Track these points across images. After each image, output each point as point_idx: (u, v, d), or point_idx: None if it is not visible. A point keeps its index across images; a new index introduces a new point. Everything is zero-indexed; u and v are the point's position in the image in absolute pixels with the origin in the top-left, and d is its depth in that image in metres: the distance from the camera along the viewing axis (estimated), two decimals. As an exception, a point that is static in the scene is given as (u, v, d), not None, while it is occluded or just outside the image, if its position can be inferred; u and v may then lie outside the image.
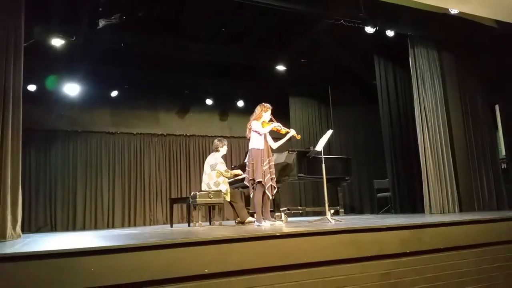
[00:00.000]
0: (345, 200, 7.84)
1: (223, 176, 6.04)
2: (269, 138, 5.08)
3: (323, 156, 5.38)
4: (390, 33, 7.21)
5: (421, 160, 7.03)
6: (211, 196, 5.86)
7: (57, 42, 6.82)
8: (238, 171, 6.17)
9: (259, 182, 4.78)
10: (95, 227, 8.95)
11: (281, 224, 5.08)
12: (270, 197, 4.94)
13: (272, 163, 4.98)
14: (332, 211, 6.03)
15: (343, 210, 6.76)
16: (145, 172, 9.71)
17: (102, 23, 6.56)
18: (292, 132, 5.18)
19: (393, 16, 7.03)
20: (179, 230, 5.13)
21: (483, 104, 7.76)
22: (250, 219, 5.97)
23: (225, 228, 4.92)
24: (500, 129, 8.34)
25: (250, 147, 4.98)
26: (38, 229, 8.40)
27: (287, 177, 6.06)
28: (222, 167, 6.05)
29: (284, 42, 8.42)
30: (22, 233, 4.46)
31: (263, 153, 4.86)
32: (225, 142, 6.37)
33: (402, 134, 8.00)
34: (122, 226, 9.14)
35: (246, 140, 5.28)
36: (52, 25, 6.68)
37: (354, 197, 9.87)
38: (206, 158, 6.45)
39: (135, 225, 9.28)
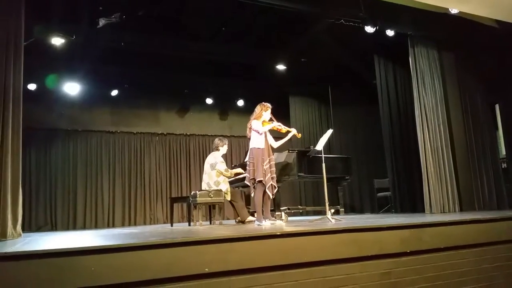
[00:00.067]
0: (345, 199, 7.83)
1: (223, 175, 6.04)
2: (269, 138, 5.08)
3: (323, 155, 5.38)
4: (390, 32, 7.21)
5: (421, 159, 7.03)
6: (212, 196, 5.86)
7: (57, 41, 6.81)
8: (239, 170, 6.16)
9: (260, 181, 4.78)
10: (96, 226, 8.96)
11: (282, 223, 5.08)
12: (271, 196, 4.94)
13: (273, 163, 4.98)
14: (332, 210, 6.04)
15: (343, 209, 6.75)
16: (145, 171, 9.72)
17: (102, 22, 6.55)
18: (293, 131, 5.17)
19: (393, 16, 7.03)
20: (180, 229, 5.13)
21: (483, 104, 7.76)
22: (250, 218, 5.97)
23: (225, 227, 4.92)
24: (500, 128, 8.34)
25: (250, 147, 4.97)
26: (39, 228, 8.40)
27: (287, 176, 6.06)
28: (222, 166, 6.05)
29: (284, 42, 8.42)
30: (23, 232, 4.47)
31: (263, 152, 4.86)
32: (226, 141, 6.37)
33: (402, 133, 8.00)
34: (123, 225, 9.14)
35: (246, 139, 5.29)
36: (52, 24, 6.68)
37: (354, 196, 9.87)
38: (206, 157, 6.45)
39: (135, 224, 9.28)
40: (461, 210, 6.97)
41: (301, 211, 8.58)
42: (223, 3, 6.80)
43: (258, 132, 4.91)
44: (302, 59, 9.08)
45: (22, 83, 4.53)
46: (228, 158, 9.61)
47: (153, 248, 2.53)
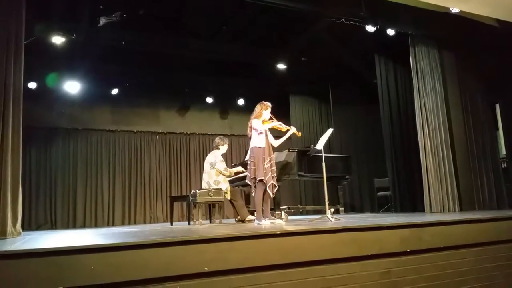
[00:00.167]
0: (345, 198, 7.83)
1: (222, 174, 6.04)
2: (270, 136, 5.08)
3: (323, 154, 5.38)
4: (390, 31, 7.20)
5: (421, 159, 7.03)
6: (211, 194, 5.86)
7: (57, 39, 6.80)
8: (239, 169, 6.16)
9: (261, 180, 4.78)
10: (95, 225, 8.96)
11: (281, 222, 5.09)
12: (271, 195, 4.94)
13: (274, 162, 4.97)
14: (332, 209, 6.04)
15: (343, 208, 6.75)
16: (146, 170, 9.72)
17: (102, 21, 6.56)
18: (293, 130, 5.16)
19: (394, 15, 7.03)
20: (179, 228, 5.13)
21: (484, 103, 7.76)
22: (250, 217, 5.97)
23: (225, 226, 4.93)
24: (500, 128, 8.33)
25: (251, 146, 4.97)
26: (38, 227, 8.41)
27: (287, 175, 6.06)
28: (221, 165, 6.04)
29: (284, 41, 8.42)
30: (22, 231, 4.47)
31: (264, 151, 4.86)
32: (227, 141, 6.37)
33: (403, 132, 8.00)
34: (122, 224, 9.15)
35: (247, 138, 5.28)
36: (52, 22, 6.67)
37: (354, 195, 9.87)
38: (206, 156, 6.44)
39: (135, 223, 9.29)
40: (461, 209, 6.96)
41: (301, 210, 8.58)
42: (223, 2, 6.79)
43: (257, 131, 4.90)
44: (303, 58, 9.08)
45: (22, 82, 4.53)
46: (228, 157, 9.60)
47: (153, 247, 2.53)
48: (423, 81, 7.23)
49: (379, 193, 8.80)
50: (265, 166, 4.81)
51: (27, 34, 4.84)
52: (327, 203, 5.17)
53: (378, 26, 6.96)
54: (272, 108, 5.10)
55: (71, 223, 8.84)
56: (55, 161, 8.92)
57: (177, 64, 8.78)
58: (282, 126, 5.09)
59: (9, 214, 4.09)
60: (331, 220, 4.83)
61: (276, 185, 4.98)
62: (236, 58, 8.85)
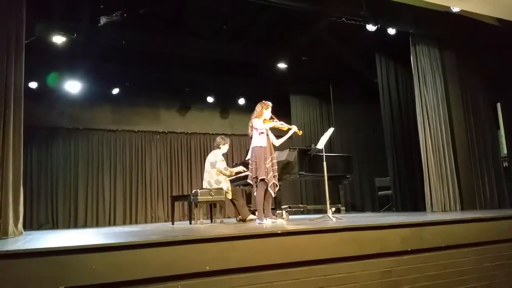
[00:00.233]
0: (346, 198, 7.83)
1: (223, 174, 6.04)
2: (271, 136, 5.08)
3: (324, 154, 5.38)
4: (391, 31, 7.20)
5: (422, 158, 7.02)
6: (212, 194, 5.86)
7: (58, 39, 6.80)
8: (240, 168, 6.16)
9: (262, 179, 4.78)
10: (97, 224, 8.97)
11: (282, 222, 5.08)
12: (273, 195, 4.94)
13: (275, 161, 4.97)
14: (333, 209, 6.04)
15: (344, 208, 6.76)
16: (146, 169, 9.73)
17: (103, 20, 6.55)
18: (294, 129, 5.16)
19: (395, 14, 7.02)
20: (181, 227, 5.14)
21: (485, 103, 7.75)
22: (251, 216, 5.97)
23: (226, 226, 4.92)
24: (501, 127, 8.33)
25: (252, 145, 4.97)
26: (40, 227, 8.42)
27: (288, 175, 6.06)
28: (222, 165, 6.04)
29: (285, 40, 8.41)
30: (24, 230, 4.47)
31: (265, 150, 4.86)
32: (228, 140, 6.36)
33: (404, 132, 8.00)
34: (124, 223, 9.15)
35: (247, 138, 5.29)
36: (53, 22, 6.68)
37: (355, 195, 9.87)
38: (207, 155, 6.44)
39: (136, 222, 9.29)
40: (462, 208, 6.96)
41: (302, 209, 8.59)
42: (223, 1, 6.79)
43: (259, 130, 4.90)
44: (303, 58, 9.07)
45: (23, 82, 4.53)
46: (229, 157, 9.61)
47: (154, 246, 2.54)
48: (424, 80, 7.23)
49: (380, 192, 8.80)
50: (267, 166, 4.81)
51: (27, 33, 4.84)
52: (328, 203, 5.16)
53: (378, 25, 6.96)
54: (272, 108, 5.09)
55: (73, 223, 8.84)
56: (56, 160, 8.93)
57: (178, 63, 8.78)
58: (283, 125, 5.09)
59: (11, 214, 4.09)
60: (332, 220, 4.82)
61: (278, 184, 4.99)
62: (237, 57, 8.84)
